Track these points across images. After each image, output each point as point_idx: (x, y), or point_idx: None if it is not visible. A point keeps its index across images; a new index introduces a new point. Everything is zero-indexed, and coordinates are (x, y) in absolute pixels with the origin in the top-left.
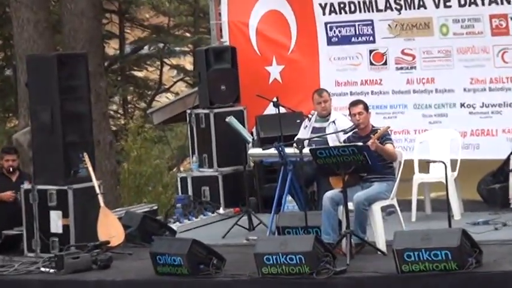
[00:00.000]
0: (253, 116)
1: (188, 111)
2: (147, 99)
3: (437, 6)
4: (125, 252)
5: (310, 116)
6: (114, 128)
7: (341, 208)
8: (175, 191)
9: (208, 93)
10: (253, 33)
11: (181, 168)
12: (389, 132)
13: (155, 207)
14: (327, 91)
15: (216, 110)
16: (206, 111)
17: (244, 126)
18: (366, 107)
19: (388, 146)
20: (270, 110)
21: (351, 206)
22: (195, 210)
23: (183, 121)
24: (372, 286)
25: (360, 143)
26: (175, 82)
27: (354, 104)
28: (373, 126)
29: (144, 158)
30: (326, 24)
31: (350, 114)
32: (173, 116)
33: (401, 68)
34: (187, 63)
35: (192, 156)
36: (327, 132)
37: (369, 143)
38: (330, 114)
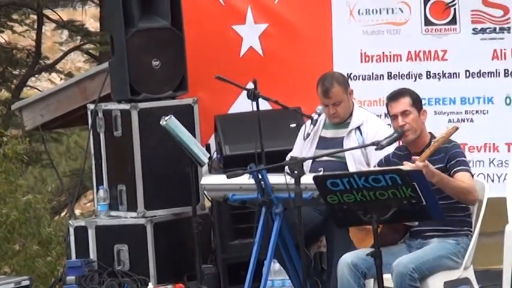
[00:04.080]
0: (211, 115)
1: (90, 106)
2: (11, 84)
3: None
4: None
5: (314, 115)
6: None
7: (371, 283)
8: (65, 253)
9: (128, 73)
10: None
11: (77, 211)
12: (459, 145)
13: (26, 283)
14: (340, 81)
15: (142, 105)
16: (124, 106)
17: (194, 134)
18: (417, 102)
19: (461, 176)
20: (242, 104)
21: (388, 280)
22: None
23: (81, 125)
24: None
25: (407, 166)
26: (66, 53)
27: (393, 97)
28: (432, 136)
29: (4, 191)
30: None
31: (389, 114)
32: (62, 116)
33: (483, 31)
34: (90, 18)
35: (98, 189)
36: (346, 146)
37: (415, 163)
38: (351, 115)
